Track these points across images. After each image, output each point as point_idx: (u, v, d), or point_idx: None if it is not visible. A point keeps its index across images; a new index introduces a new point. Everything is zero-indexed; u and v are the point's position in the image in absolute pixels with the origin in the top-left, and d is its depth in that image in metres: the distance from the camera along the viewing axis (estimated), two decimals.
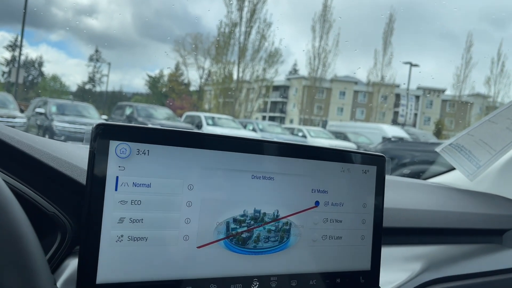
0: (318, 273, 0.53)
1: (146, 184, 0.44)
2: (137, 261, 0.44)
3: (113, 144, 0.43)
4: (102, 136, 0.42)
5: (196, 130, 0.48)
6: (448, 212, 0.82)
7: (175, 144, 0.46)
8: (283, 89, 28.96)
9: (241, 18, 18.58)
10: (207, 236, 0.47)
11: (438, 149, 1.08)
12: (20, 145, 0.45)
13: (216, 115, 13.08)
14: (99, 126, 0.42)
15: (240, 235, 0.49)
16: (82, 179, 0.48)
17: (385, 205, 0.59)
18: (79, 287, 0.40)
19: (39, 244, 0.28)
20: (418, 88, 26.08)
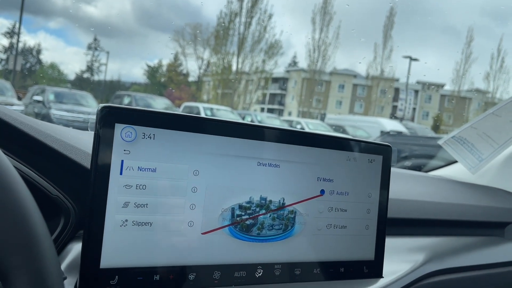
0: (322, 262, 0.53)
1: (151, 168, 0.43)
2: (141, 246, 0.43)
3: (119, 127, 0.42)
4: (107, 118, 0.41)
5: (203, 116, 0.47)
6: (451, 204, 0.82)
7: (181, 128, 0.45)
8: (282, 81, 28.90)
9: (241, 8, 18.48)
10: (212, 223, 0.47)
11: (440, 142, 1.07)
12: (23, 127, 0.44)
13: (214, 106, 13.05)
14: (105, 109, 0.41)
15: (244, 222, 0.48)
16: (86, 162, 0.47)
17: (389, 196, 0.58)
18: (83, 271, 0.40)
19: (45, 225, 0.28)
20: (418, 83, 26.07)
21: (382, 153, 0.58)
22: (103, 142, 0.41)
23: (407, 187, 0.85)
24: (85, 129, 0.62)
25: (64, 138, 0.48)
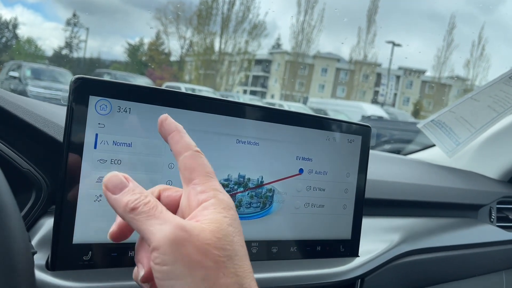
0: (299, 240, 0.53)
1: (126, 143, 0.42)
2: None
3: (93, 100, 0.41)
4: (81, 90, 0.40)
5: (181, 91, 0.46)
6: (427, 186, 0.83)
7: (158, 103, 0.44)
8: (265, 64, 28.68)
9: None
10: None
11: (419, 125, 1.08)
12: None
13: (196, 87, 12.95)
14: (78, 80, 0.40)
15: None
16: (59, 136, 0.46)
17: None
18: (54, 246, 0.39)
19: (12, 197, 0.27)
20: (400, 68, 26.26)
21: (362, 133, 0.58)
22: (76, 115, 0.40)
23: (385, 169, 0.86)
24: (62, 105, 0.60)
25: (36, 110, 0.46)
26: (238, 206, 0.49)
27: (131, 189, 0.31)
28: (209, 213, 0.30)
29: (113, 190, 0.31)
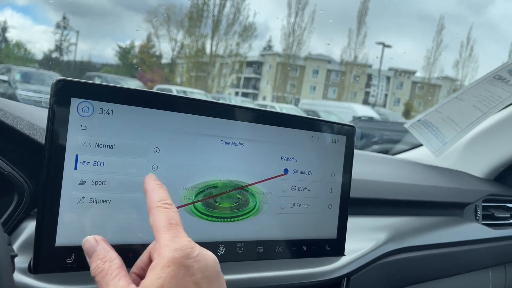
0: (284, 240, 0.54)
1: (109, 145, 0.42)
2: (100, 224, 0.42)
3: (75, 102, 0.41)
4: (63, 92, 0.40)
5: (164, 92, 0.46)
6: (414, 185, 0.84)
7: (141, 104, 0.44)
8: (256, 65, 28.69)
9: None
10: (173, 201, 0.46)
11: (406, 125, 1.09)
12: None
13: (188, 89, 12.91)
14: (60, 82, 0.40)
15: (207, 200, 0.48)
16: (41, 138, 0.46)
17: (352, 176, 0.59)
18: (37, 249, 0.39)
19: None
20: (390, 69, 26.42)
21: (346, 133, 0.59)
22: (58, 117, 0.40)
23: (371, 169, 0.86)
24: None
25: (18, 113, 0.46)
26: (223, 207, 0.49)
27: (96, 254, 0.35)
28: (148, 276, 0.32)
29: (87, 254, 0.36)
